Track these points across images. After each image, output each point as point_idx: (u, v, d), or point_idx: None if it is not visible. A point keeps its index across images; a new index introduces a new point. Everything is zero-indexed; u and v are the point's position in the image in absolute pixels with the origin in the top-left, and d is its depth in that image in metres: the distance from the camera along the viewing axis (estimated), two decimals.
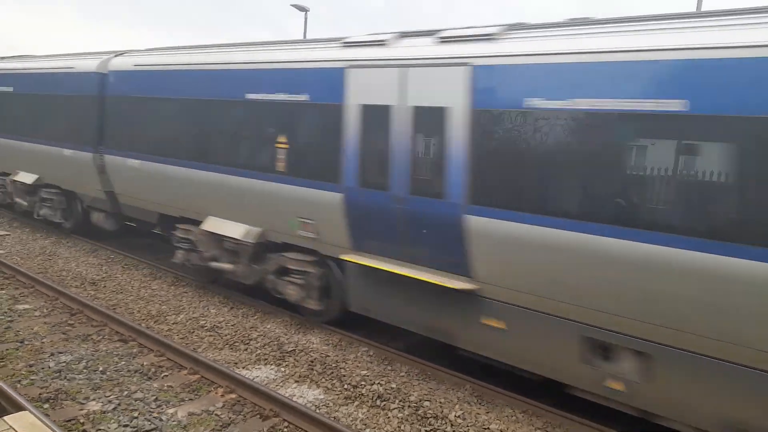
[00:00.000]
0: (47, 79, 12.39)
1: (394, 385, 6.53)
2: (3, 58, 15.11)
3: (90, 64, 11.24)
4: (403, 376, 6.84)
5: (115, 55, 11.09)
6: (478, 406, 6.20)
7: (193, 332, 7.88)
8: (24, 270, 9.76)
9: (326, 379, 6.65)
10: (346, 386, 6.48)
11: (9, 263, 10.10)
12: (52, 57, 13.21)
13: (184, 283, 10.03)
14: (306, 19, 23.50)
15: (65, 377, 6.25)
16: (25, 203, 13.31)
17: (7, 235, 12.87)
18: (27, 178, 12.96)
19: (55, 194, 12.58)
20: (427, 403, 6.14)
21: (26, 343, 7.08)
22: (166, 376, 6.51)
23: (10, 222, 14.20)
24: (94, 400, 5.79)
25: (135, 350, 7.13)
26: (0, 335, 7.24)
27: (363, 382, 6.57)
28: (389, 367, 7.07)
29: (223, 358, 7.10)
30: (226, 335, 7.82)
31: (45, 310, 8.30)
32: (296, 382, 6.57)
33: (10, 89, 13.61)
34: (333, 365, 7.00)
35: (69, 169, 11.69)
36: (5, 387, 5.40)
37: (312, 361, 7.10)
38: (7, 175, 13.93)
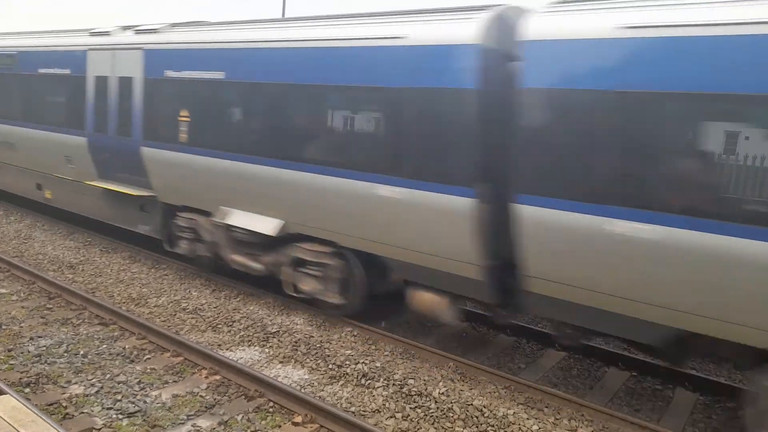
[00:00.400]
0: (319, 59, 7.09)
1: (378, 364, 6.60)
2: (179, 24, 9.65)
3: (459, 32, 6.01)
4: (387, 355, 6.91)
5: (495, 12, 6.07)
6: (462, 383, 6.30)
7: (175, 315, 7.82)
8: None
9: (311, 360, 6.68)
10: (330, 366, 6.53)
11: None
12: (307, 21, 7.66)
13: (164, 266, 9.93)
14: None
15: (46, 361, 6.17)
16: (258, 266, 8.18)
17: None
18: (259, 223, 7.84)
19: (327, 255, 7.50)
20: (411, 381, 6.23)
21: (4, 327, 6.96)
22: (149, 358, 6.47)
23: None
24: (76, 383, 5.74)
25: (116, 333, 7.07)
26: None
27: (347, 362, 6.62)
28: (373, 347, 7.13)
29: (207, 340, 7.07)
30: (208, 317, 7.79)
31: (22, 294, 8.15)
32: (281, 362, 6.59)
33: (219, 76, 8.16)
34: (317, 346, 7.03)
35: (375, 215, 6.75)
36: None
37: (296, 342, 7.12)
38: (204, 214, 8.78)
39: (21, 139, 12.06)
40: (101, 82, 10.06)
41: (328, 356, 6.76)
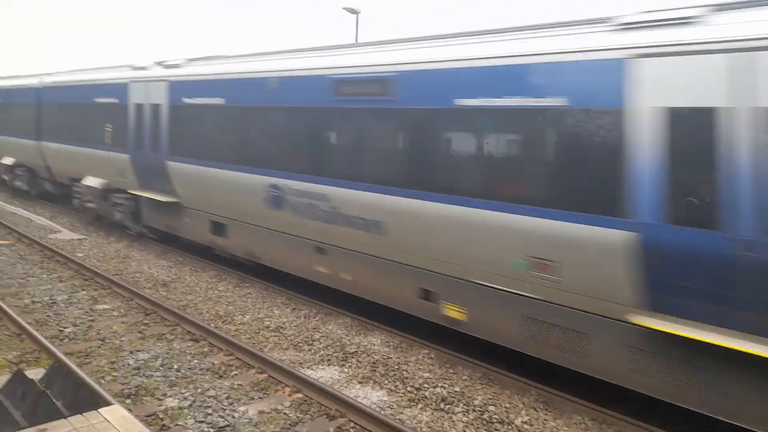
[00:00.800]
0: None
1: (457, 389, 6.52)
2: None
3: None
4: (465, 379, 6.82)
5: None
6: (545, 412, 6.09)
7: (258, 332, 8.14)
8: (102, 272, 10.37)
9: (389, 381, 6.71)
10: (409, 388, 6.52)
11: (88, 266, 10.75)
12: None
13: (248, 285, 10.37)
14: (357, 21, 23.76)
15: (144, 374, 6.60)
16: None
17: (84, 239, 13.70)
18: None
19: None
20: (492, 408, 6.10)
21: (107, 341, 7.52)
22: (236, 374, 6.76)
23: (86, 226, 15.10)
24: (171, 396, 6.09)
25: (206, 349, 7.44)
26: (84, 333, 7.72)
27: (426, 385, 6.59)
28: (451, 370, 7.06)
29: (289, 358, 7.29)
30: (290, 336, 8.04)
31: (122, 310, 8.78)
32: (360, 383, 6.67)
33: None
34: (395, 367, 7.06)
35: None
36: (93, 383, 5.76)
37: (374, 363, 7.18)
38: None
39: (399, 217, 7.39)
40: (700, 120, 4.99)
41: (407, 378, 6.77)
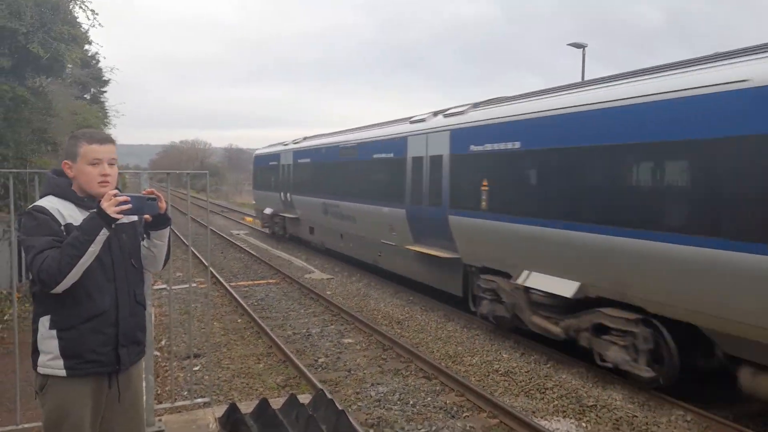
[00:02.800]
0: None
1: None
2: None
3: None
4: None
5: None
6: None
7: (488, 375, 8.10)
8: (346, 309, 11.60)
9: None
10: None
11: (335, 303, 12.14)
12: None
13: (475, 326, 10.46)
14: (584, 55, 22.85)
15: (384, 406, 7.09)
16: None
17: (331, 278, 15.55)
18: None
19: None
20: None
21: (352, 372, 8.31)
22: (467, 416, 6.80)
23: (332, 267, 17.13)
24: (409, 431, 6.40)
25: (438, 388, 7.67)
26: (333, 364, 8.67)
27: None
28: None
29: (520, 405, 7.07)
30: (520, 381, 7.81)
31: (363, 345, 9.64)
32: None
33: None
34: (642, 427, 6.29)
35: None
36: (348, 415, 6.39)
37: (617, 420, 6.52)
38: None
39: None
40: None
41: None
